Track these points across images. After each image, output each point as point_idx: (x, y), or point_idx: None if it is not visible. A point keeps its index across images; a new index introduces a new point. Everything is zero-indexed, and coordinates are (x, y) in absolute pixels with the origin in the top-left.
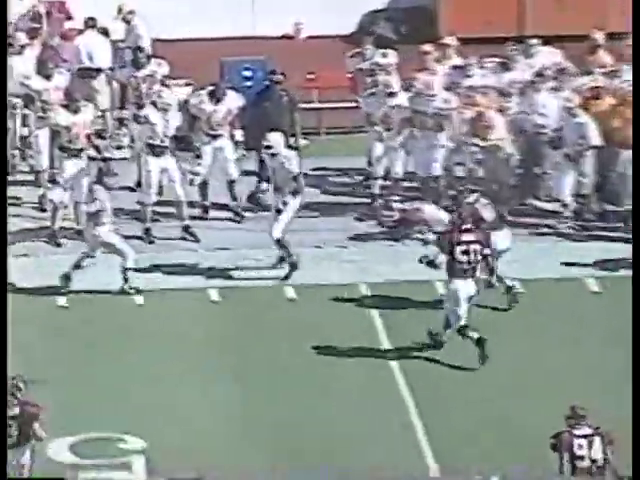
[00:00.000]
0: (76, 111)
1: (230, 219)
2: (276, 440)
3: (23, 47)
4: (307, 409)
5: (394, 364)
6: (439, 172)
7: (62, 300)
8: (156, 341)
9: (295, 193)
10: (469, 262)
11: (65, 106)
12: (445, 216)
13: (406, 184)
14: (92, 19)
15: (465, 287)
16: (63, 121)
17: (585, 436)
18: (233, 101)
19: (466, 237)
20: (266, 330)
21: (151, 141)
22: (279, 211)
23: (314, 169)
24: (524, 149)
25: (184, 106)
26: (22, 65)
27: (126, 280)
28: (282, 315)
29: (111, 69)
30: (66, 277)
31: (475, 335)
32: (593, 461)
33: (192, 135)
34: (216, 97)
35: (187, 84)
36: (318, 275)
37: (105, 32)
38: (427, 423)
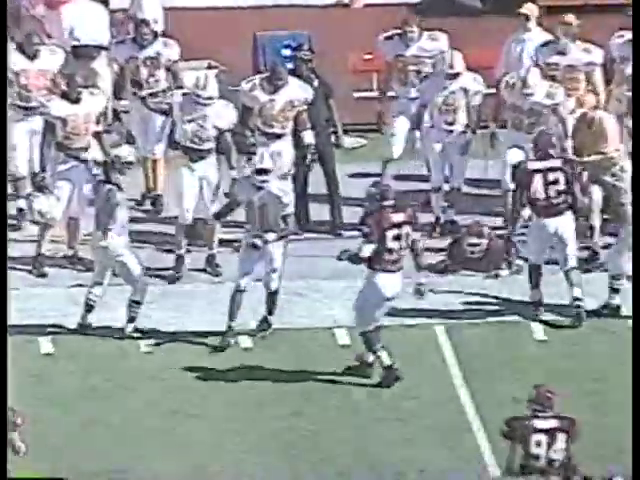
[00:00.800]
0: (77, 100)
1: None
2: None
3: None
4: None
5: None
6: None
7: (47, 346)
8: (168, 401)
9: (283, 237)
10: (400, 249)
11: (62, 93)
12: None
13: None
14: None
15: (392, 283)
16: (57, 111)
17: (547, 431)
18: (296, 91)
19: (397, 217)
20: (312, 388)
21: (185, 143)
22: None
23: (370, 175)
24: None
25: None
26: None
27: (133, 319)
28: (332, 367)
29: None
30: (82, 327)
31: (386, 361)
32: (550, 461)
33: (245, 131)
34: (273, 84)
35: (210, 67)
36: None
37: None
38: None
